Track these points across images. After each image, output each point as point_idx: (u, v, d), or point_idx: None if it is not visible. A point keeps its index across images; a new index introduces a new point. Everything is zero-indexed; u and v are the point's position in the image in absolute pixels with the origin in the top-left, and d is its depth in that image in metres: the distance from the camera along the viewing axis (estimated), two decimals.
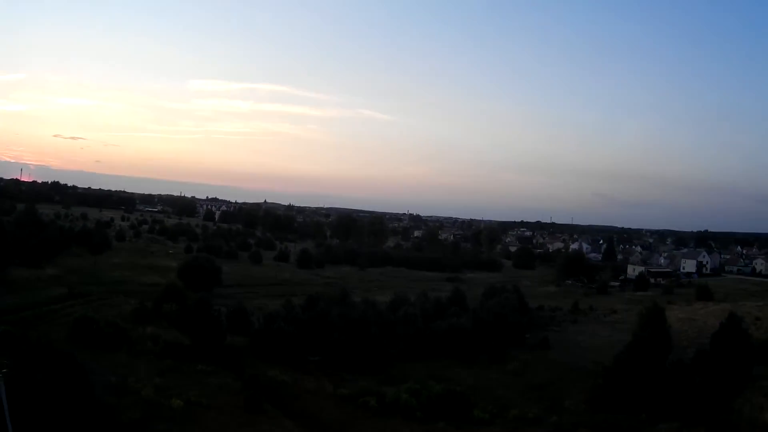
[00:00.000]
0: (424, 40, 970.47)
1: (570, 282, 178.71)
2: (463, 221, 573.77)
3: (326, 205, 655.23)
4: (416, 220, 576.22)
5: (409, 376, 58.71)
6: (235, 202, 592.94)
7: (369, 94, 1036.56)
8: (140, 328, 66.55)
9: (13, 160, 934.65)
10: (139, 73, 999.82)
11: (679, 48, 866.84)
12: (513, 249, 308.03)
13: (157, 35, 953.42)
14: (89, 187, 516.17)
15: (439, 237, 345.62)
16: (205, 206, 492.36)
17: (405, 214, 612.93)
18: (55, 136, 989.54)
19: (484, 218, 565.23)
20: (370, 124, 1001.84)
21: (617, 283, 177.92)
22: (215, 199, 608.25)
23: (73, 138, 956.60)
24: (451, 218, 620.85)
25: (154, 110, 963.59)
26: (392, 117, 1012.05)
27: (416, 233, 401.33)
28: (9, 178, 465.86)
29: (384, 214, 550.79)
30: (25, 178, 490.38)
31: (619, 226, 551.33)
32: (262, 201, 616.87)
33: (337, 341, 65.31)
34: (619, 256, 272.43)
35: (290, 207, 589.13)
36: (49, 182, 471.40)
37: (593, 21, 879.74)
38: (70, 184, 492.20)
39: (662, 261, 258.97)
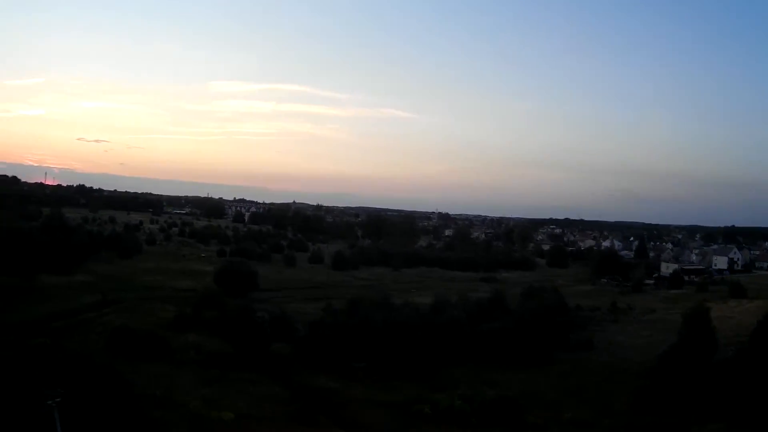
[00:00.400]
0: (444, 38, 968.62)
1: (605, 280, 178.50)
2: (492, 219, 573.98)
3: (354, 205, 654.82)
4: (445, 218, 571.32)
5: (458, 381, 58.44)
6: (263, 203, 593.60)
7: (389, 93, 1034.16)
8: (181, 336, 66.01)
9: (36, 164, 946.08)
10: (160, 75, 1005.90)
11: (704, 42, 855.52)
12: (545, 247, 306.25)
13: (177, 37, 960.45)
14: (115, 190, 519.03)
15: (471, 236, 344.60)
16: (233, 207, 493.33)
17: (434, 212, 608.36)
18: (78, 139, 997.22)
19: (513, 216, 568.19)
20: (391, 123, 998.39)
21: (651, 281, 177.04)
22: (242, 200, 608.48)
23: (97, 141, 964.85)
24: (480, 216, 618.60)
25: (175, 112, 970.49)
26: (414, 115, 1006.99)
27: (447, 232, 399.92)
28: (33, 182, 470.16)
29: (412, 212, 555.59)
30: (49, 182, 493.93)
31: (646, 222, 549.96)
32: (290, 201, 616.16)
33: (383, 347, 64.08)
34: (651, 253, 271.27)
35: (319, 207, 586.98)
36: (74, 185, 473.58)
37: (617, 16, 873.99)
38: (95, 187, 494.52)
39: (693, 258, 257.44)
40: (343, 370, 60.88)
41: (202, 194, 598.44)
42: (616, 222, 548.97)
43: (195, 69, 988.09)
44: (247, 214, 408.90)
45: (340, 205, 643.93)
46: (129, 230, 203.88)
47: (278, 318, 74.11)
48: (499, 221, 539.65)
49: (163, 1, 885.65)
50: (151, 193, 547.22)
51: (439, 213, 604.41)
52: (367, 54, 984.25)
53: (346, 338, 64.60)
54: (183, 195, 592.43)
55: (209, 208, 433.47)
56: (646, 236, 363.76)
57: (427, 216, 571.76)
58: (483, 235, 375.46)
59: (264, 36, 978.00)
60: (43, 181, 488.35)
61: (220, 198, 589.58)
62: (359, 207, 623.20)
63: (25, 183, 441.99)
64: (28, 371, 37.51)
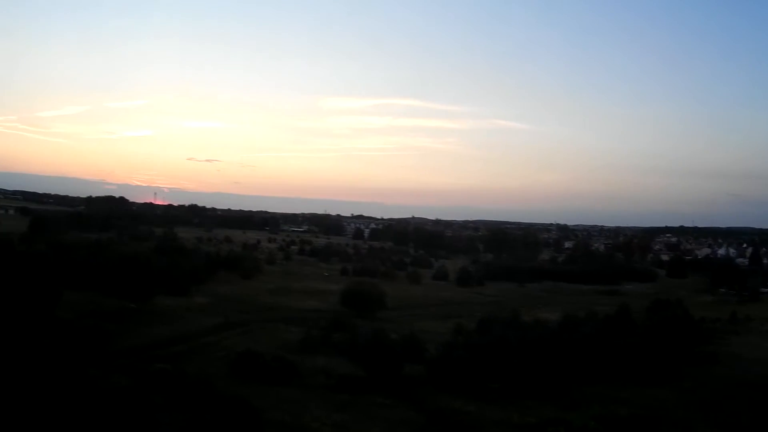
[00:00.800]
0: (556, 47, 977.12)
1: (723, 290, 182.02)
2: (609, 229, 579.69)
3: (472, 218, 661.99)
4: (564, 230, 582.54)
5: (589, 400, 57.89)
6: (381, 218, 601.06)
7: (503, 104, 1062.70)
8: (308, 359, 65.89)
9: (144, 184, 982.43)
10: (272, 93, 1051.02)
11: None
12: (663, 257, 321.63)
13: (289, 55, 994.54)
14: (229, 209, 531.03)
15: (591, 248, 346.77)
16: (352, 224, 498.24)
17: (552, 224, 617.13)
18: (188, 159, 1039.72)
19: (628, 225, 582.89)
20: (506, 134, 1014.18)
21: (766, 290, 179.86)
22: (360, 216, 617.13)
23: (208, 160, 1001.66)
24: (596, 227, 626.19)
25: (289, 130, 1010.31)
26: (527, 125, 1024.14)
27: (567, 244, 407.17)
28: (142, 201, 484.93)
29: (531, 224, 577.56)
30: (159, 202, 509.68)
31: (757, 226, 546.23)
32: (409, 216, 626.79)
33: (517, 366, 62.91)
34: (765, 260, 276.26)
35: (438, 222, 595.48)
36: (186, 205, 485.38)
37: (720, 19, 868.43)
38: (208, 206, 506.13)
39: None
40: (478, 391, 59.84)
41: (319, 211, 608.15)
42: (728, 228, 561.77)
43: (309, 86, 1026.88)
44: (366, 231, 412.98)
45: (459, 218, 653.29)
46: (247, 249, 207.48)
47: (408, 338, 73.49)
48: (616, 231, 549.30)
49: (273, 20, 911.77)
50: (266, 211, 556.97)
51: (558, 224, 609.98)
52: (479, 65, 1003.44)
53: (479, 358, 63.93)
54: (299, 212, 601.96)
55: (327, 225, 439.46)
56: (758, 242, 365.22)
57: (545, 228, 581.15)
58: (602, 247, 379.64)
59: (377, 51, 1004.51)
60: (153, 201, 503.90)
61: (338, 214, 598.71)
62: (477, 220, 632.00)
63: (134, 203, 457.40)
64: (149, 399, 37.10)
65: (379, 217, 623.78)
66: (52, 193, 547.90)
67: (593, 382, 65.49)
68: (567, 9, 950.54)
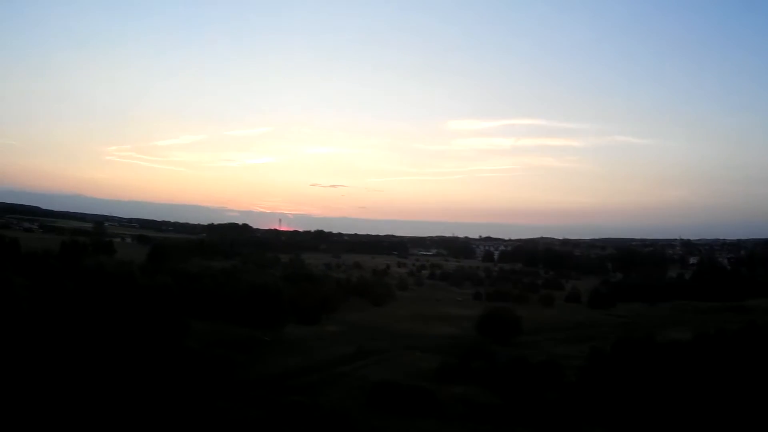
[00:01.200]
0: (673, 61, 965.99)
1: None
2: (730, 242, 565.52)
3: (598, 236, 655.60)
4: (687, 245, 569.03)
5: (724, 425, 55.78)
6: (509, 240, 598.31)
7: (623, 120, 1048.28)
8: (446, 388, 64.58)
9: (268, 211, 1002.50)
10: (396, 118, 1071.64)
11: None
12: None
13: (412, 79, 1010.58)
14: (355, 233, 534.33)
15: (716, 263, 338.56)
16: (480, 246, 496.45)
17: (676, 239, 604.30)
18: (312, 185, 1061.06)
19: (748, 237, 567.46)
20: (627, 150, 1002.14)
21: None
22: (489, 238, 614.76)
23: (332, 186, 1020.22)
24: (718, 240, 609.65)
25: (413, 153, 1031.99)
26: (647, 140, 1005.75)
27: (692, 260, 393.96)
28: (266, 228, 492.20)
29: (655, 241, 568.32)
30: (284, 228, 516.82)
31: None
32: (537, 237, 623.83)
33: (656, 393, 61.56)
34: None
35: (566, 241, 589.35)
36: (311, 231, 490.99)
37: None
38: (334, 231, 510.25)
39: None
40: (618, 419, 58.49)
41: (446, 233, 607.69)
42: None
43: (432, 109, 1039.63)
44: (496, 253, 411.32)
45: (585, 237, 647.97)
46: (377, 275, 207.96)
47: (546, 364, 72.07)
48: (737, 244, 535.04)
49: (396, 44, 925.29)
50: (393, 235, 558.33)
51: (681, 239, 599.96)
52: (599, 82, 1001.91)
53: (617, 385, 63.11)
54: (427, 235, 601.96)
55: (456, 248, 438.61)
56: None
57: (669, 243, 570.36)
58: (726, 261, 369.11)
59: (499, 72, 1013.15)
60: (277, 227, 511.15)
61: (466, 237, 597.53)
62: (604, 238, 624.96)
63: (258, 229, 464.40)
64: None
65: (507, 238, 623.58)
66: (171, 220, 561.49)
67: (726, 404, 62.35)
68: (683, 24, 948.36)
